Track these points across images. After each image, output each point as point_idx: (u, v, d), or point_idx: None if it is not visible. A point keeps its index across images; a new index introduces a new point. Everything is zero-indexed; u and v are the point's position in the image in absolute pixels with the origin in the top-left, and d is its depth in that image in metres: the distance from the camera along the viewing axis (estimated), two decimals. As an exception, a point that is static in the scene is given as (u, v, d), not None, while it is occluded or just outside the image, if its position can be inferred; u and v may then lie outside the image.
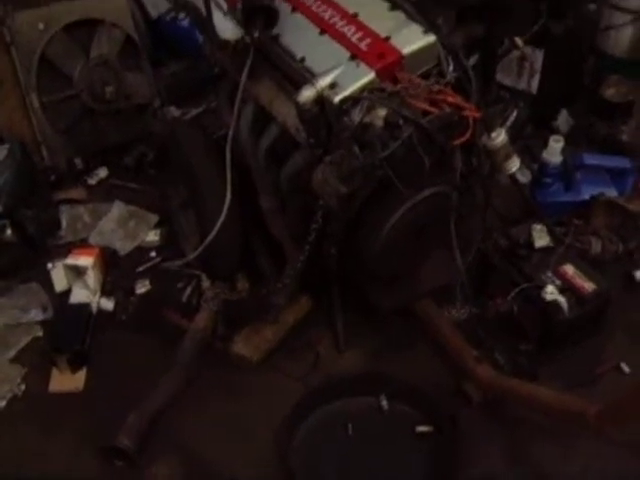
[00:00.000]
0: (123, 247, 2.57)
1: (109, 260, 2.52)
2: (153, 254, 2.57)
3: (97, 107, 2.76)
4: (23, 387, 2.17)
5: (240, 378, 2.16)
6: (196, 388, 2.13)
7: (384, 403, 2.07)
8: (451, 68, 1.80)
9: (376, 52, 1.74)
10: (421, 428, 2.01)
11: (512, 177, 2.12)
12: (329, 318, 2.30)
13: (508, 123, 2.22)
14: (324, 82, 1.71)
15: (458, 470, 1.89)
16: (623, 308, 2.31)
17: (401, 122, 1.62)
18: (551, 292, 2.10)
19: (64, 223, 2.64)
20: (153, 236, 2.61)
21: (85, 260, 2.42)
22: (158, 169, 2.82)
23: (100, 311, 2.38)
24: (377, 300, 2.22)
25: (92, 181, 2.84)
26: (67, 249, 2.50)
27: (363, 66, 1.72)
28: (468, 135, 1.75)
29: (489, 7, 1.86)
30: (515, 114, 2.25)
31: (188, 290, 2.38)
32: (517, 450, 1.97)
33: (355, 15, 1.84)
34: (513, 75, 3.02)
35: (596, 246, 2.33)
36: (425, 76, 1.79)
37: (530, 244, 2.26)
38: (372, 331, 2.29)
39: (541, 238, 2.28)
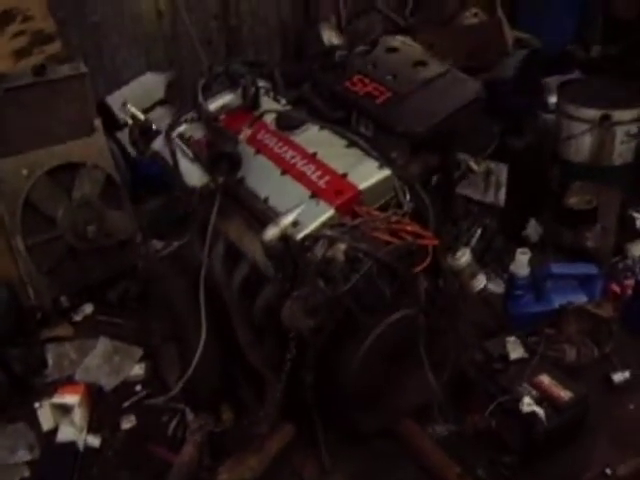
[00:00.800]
0: (108, 383, 2.60)
1: (95, 396, 2.55)
2: (138, 388, 2.60)
3: (80, 246, 2.85)
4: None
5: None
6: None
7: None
8: (408, 198, 1.90)
9: (334, 189, 1.84)
10: None
11: (480, 294, 2.19)
12: (312, 442, 2.31)
13: (473, 242, 2.30)
14: (287, 220, 1.81)
15: None
16: (604, 411, 2.34)
17: (361, 255, 1.70)
18: (528, 403, 2.14)
19: (50, 361, 2.67)
20: (138, 370, 2.65)
21: (71, 398, 2.45)
22: (141, 303, 2.88)
23: (87, 448, 2.38)
24: (358, 424, 2.25)
25: (78, 317, 2.91)
26: (53, 387, 2.53)
27: (322, 203, 1.83)
28: (428, 261, 1.82)
29: (440, 137, 1.97)
30: (480, 232, 2.34)
31: (173, 423, 2.41)
32: None
33: (314, 154, 1.96)
34: (480, 189, 3.16)
35: (570, 353, 2.38)
36: (384, 208, 1.89)
37: (505, 357, 2.32)
38: (356, 452, 2.30)
39: (515, 350, 2.34)
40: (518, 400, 2.16)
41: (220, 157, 1.91)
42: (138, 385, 2.61)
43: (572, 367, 2.39)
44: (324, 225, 1.79)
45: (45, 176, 2.79)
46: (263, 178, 1.96)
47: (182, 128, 2.12)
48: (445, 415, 2.17)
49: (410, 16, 3.65)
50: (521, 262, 2.45)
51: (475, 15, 3.45)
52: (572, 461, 2.21)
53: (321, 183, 1.87)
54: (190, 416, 2.35)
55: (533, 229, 3.11)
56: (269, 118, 2.11)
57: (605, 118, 3.06)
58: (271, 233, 1.80)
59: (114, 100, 3.20)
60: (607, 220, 2.84)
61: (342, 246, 1.74)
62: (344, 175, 1.88)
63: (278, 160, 1.98)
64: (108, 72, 3.37)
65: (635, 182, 3.25)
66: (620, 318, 2.54)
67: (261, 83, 2.22)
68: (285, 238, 1.79)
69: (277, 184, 1.93)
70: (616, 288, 2.67)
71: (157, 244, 3.16)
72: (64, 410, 2.43)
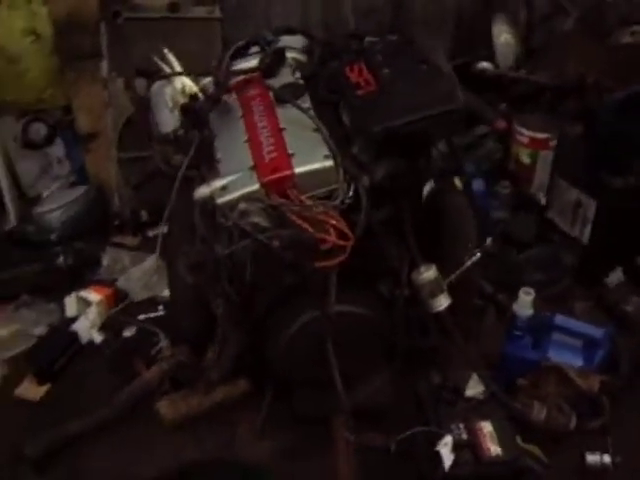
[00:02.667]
0: (137, 295, 2.88)
1: (120, 302, 2.85)
2: (160, 308, 2.84)
3: (166, 170, 3.13)
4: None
5: (155, 435, 2.33)
6: (117, 430, 2.35)
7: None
8: (349, 194, 1.87)
9: (272, 166, 1.87)
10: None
11: (437, 315, 2.09)
12: (258, 408, 2.39)
13: (468, 263, 2.18)
14: (218, 184, 1.89)
15: None
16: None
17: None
18: (445, 443, 2.02)
19: (105, 262, 3.01)
20: (166, 292, 2.88)
21: (94, 296, 2.78)
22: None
23: (89, 342, 2.70)
24: (295, 404, 2.29)
25: (150, 234, 3.21)
26: (88, 283, 2.88)
27: (254, 177, 1.87)
28: (336, 261, 1.79)
29: (405, 141, 1.89)
30: (479, 256, 2.19)
31: (159, 346, 2.62)
32: None
33: (282, 129, 1.99)
34: (568, 220, 2.91)
35: (539, 412, 2.16)
36: (325, 198, 1.88)
37: (459, 390, 2.19)
38: (292, 430, 2.33)
39: (474, 388, 2.19)
40: (441, 436, 2.04)
41: (188, 110, 2.03)
42: (161, 306, 2.85)
43: (537, 428, 2.17)
44: (247, 197, 1.84)
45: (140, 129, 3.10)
46: (229, 141, 2.03)
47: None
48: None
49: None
50: (524, 302, 2.26)
51: (632, 34, 3.09)
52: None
53: (266, 158, 1.91)
54: (164, 342, 2.54)
55: (616, 277, 2.79)
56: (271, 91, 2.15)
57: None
58: (201, 192, 1.89)
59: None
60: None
61: (255, 219, 1.79)
62: (291, 155, 1.90)
63: (250, 127, 2.03)
64: (258, 24, 3.55)
65: None
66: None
67: (292, 54, 2.26)
68: (212, 199, 1.87)
69: (235, 149, 1.99)
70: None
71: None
72: (86, 304, 2.76)
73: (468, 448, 2.02)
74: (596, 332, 2.22)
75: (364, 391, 2.21)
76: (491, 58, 3.70)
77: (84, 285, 2.91)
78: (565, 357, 2.22)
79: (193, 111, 2.01)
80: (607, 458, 2.17)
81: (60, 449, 2.28)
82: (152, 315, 2.81)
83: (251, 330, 2.14)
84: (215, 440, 2.33)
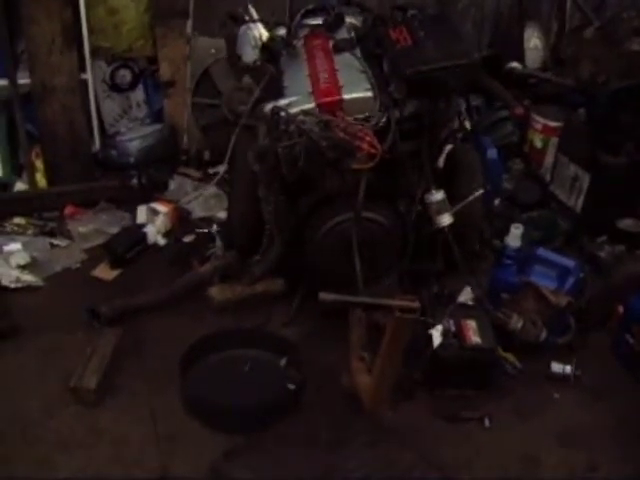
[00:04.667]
0: (197, 212, 3.45)
1: (183, 217, 3.42)
2: (215, 225, 3.40)
3: (230, 118, 3.71)
4: (79, 265, 3.13)
5: (201, 312, 2.87)
6: (173, 307, 2.91)
7: (282, 362, 2.65)
8: (383, 119, 2.42)
9: (325, 92, 2.44)
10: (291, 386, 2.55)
11: (442, 230, 2.62)
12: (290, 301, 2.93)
13: (470, 197, 2.70)
14: (283, 101, 2.45)
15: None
16: (523, 389, 2.61)
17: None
18: (437, 329, 2.53)
19: (171, 187, 3.59)
20: (222, 214, 3.44)
21: (162, 208, 3.35)
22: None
23: (155, 244, 3.27)
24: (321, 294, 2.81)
25: (211, 171, 3.78)
26: (157, 199, 3.46)
27: (312, 99, 2.44)
28: (368, 165, 2.34)
29: (428, 85, 2.44)
30: (481, 192, 2.72)
31: (212, 250, 3.17)
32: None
33: (336, 69, 2.56)
34: (566, 191, 3.42)
35: (516, 322, 2.64)
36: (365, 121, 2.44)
37: (453, 296, 2.71)
38: (316, 319, 2.83)
39: (465, 295, 2.71)
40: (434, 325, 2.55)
41: (266, 48, 2.61)
42: (215, 224, 3.41)
43: (514, 337, 2.65)
44: (303, 112, 2.40)
45: (225, 59, 3.67)
46: (294, 74, 2.62)
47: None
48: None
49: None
50: (514, 235, 2.77)
51: (641, 43, 3.59)
52: (465, 402, 2.54)
53: (322, 86, 2.48)
54: (219, 244, 3.09)
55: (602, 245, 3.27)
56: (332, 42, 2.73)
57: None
58: (269, 106, 2.45)
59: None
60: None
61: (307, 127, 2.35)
62: (341, 87, 2.46)
63: (312, 66, 2.61)
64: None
65: None
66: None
67: (350, 19, 2.84)
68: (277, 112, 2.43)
69: (298, 80, 2.57)
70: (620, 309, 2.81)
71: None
72: (154, 214, 3.34)
73: (454, 336, 2.52)
74: (569, 263, 2.72)
75: (377, 288, 2.72)
76: (521, 59, 4.21)
77: (153, 202, 3.48)
78: (543, 283, 2.72)
79: (270, 49, 2.57)
80: (569, 369, 2.65)
81: (128, 314, 2.82)
82: (207, 230, 3.35)
83: (294, 229, 2.67)
84: (252, 322, 2.85)
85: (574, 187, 3.35)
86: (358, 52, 2.65)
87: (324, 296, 2.08)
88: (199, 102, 3.73)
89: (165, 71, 3.77)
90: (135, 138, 3.69)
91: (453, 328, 2.56)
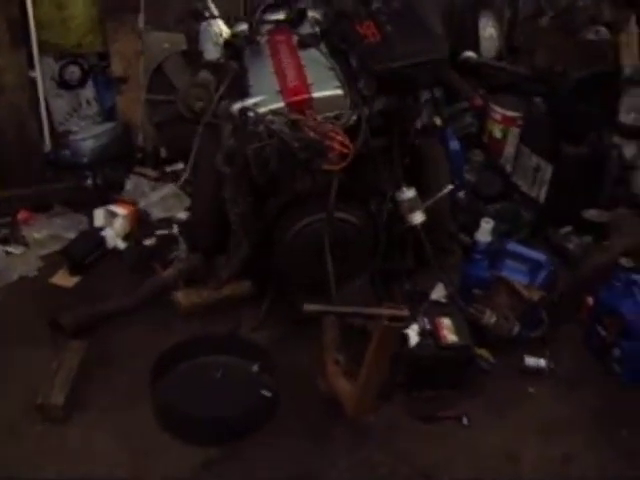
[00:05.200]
0: (157, 214, 3.34)
1: (142, 219, 3.31)
2: (175, 226, 3.30)
3: (187, 115, 3.60)
4: (36, 273, 3.00)
5: (167, 319, 2.79)
6: (138, 314, 2.81)
7: (254, 368, 2.58)
8: (353, 117, 2.37)
9: (294, 91, 2.37)
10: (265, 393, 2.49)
11: (414, 228, 2.58)
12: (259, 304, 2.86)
13: (440, 194, 2.67)
14: (251, 101, 2.37)
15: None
16: (498, 384, 2.60)
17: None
18: (412, 328, 2.50)
19: (128, 187, 3.47)
20: (182, 215, 3.34)
21: (121, 210, 3.24)
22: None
23: (115, 249, 3.16)
24: (294, 299, 2.75)
25: (168, 169, 3.67)
26: (114, 201, 3.34)
27: (280, 98, 2.36)
28: (340, 165, 2.28)
29: (398, 82, 2.40)
30: (450, 188, 2.69)
31: (175, 253, 3.08)
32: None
33: (302, 66, 2.49)
34: (528, 182, 3.42)
35: (489, 318, 2.64)
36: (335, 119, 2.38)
37: (425, 294, 2.68)
38: (287, 321, 2.77)
39: (437, 292, 2.69)
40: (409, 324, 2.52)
41: (229, 45, 2.53)
42: (175, 224, 3.31)
43: (487, 332, 2.65)
44: (272, 112, 2.33)
45: (180, 54, 3.57)
46: (260, 71, 2.54)
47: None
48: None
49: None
50: (484, 230, 2.76)
51: (597, 33, 3.62)
52: (441, 401, 2.52)
53: (290, 84, 2.41)
54: (182, 246, 3.00)
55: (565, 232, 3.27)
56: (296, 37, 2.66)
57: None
58: (237, 106, 2.37)
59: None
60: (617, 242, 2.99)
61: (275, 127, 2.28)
62: (309, 85, 2.40)
63: (278, 63, 2.54)
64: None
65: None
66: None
67: (312, 13, 2.77)
68: (244, 112, 2.35)
69: (264, 78, 2.49)
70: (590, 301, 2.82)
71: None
72: (113, 216, 3.22)
73: (430, 335, 2.50)
74: (540, 257, 2.73)
75: (348, 289, 2.68)
76: (475, 49, 4.20)
77: (109, 204, 3.36)
78: (514, 278, 2.71)
79: (233, 46, 2.49)
80: (543, 362, 2.66)
81: (89, 324, 2.71)
82: (168, 232, 3.25)
83: (262, 230, 2.60)
84: (221, 327, 2.78)
85: (536, 178, 3.36)
86: (323, 47, 2.58)
87: (308, 307, 2.03)
88: (153, 99, 3.61)
89: (117, 67, 3.64)
90: (88, 137, 3.55)
91: (428, 326, 2.54)
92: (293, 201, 2.50)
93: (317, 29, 2.69)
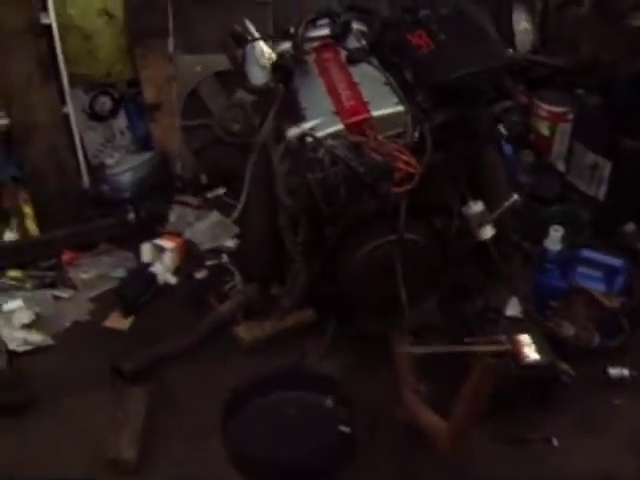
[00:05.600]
0: (204, 244, 3.23)
1: (190, 251, 3.20)
2: (224, 256, 3.19)
3: (224, 138, 3.50)
4: (88, 317, 2.90)
5: (228, 355, 2.68)
6: (199, 353, 2.70)
7: (328, 402, 2.46)
8: (415, 135, 2.24)
9: (352, 111, 2.25)
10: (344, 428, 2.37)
11: (484, 243, 2.45)
12: (323, 332, 2.74)
13: (507, 204, 2.54)
14: (307, 125, 2.25)
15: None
16: (583, 398, 2.48)
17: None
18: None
19: (172, 218, 3.36)
20: (230, 243, 3.23)
21: (168, 244, 3.14)
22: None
23: (165, 284, 3.05)
24: (358, 323, 2.64)
25: (209, 195, 3.57)
26: (159, 234, 3.23)
27: (338, 119, 2.24)
28: (409, 187, 2.16)
29: (463, 92, 2.27)
30: (515, 199, 2.56)
31: (229, 284, 2.97)
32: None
33: (356, 84, 2.36)
34: (585, 181, 3.28)
35: (568, 330, 2.52)
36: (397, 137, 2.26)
37: (499, 310, 2.55)
38: (354, 348, 2.66)
39: (512, 308, 2.56)
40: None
41: (278, 67, 2.40)
42: (224, 254, 3.20)
43: (566, 344, 2.52)
44: (333, 135, 2.21)
45: (213, 76, 3.46)
46: (311, 92, 2.42)
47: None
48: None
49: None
50: (554, 238, 2.63)
51: (644, 17, 3.47)
52: (527, 422, 2.39)
53: (346, 104, 2.28)
54: (238, 278, 2.89)
55: (629, 229, 3.13)
56: (344, 52, 2.54)
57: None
58: (292, 132, 2.25)
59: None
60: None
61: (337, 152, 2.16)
62: (367, 102, 2.27)
63: (329, 82, 2.42)
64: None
65: None
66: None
67: (356, 25, 2.64)
68: (302, 138, 2.23)
69: (318, 99, 2.37)
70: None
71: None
72: (161, 251, 3.12)
73: (510, 356, 2.36)
74: (616, 262, 2.59)
75: (416, 312, 2.56)
76: (511, 44, 4.06)
77: (154, 237, 3.25)
78: (589, 285, 2.58)
79: (283, 67, 2.37)
80: (626, 372, 2.52)
81: (150, 367, 2.61)
82: (217, 262, 3.14)
83: (322, 256, 2.48)
84: (286, 359, 2.66)
85: (594, 175, 3.22)
86: (374, 61, 2.46)
87: (416, 349, 1.92)
88: (188, 124, 3.51)
89: (149, 94, 3.54)
90: (127, 170, 3.45)
91: (507, 346, 2.40)
92: (356, 224, 2.37)
93: (364, 42, 2.55)
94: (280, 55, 2.53)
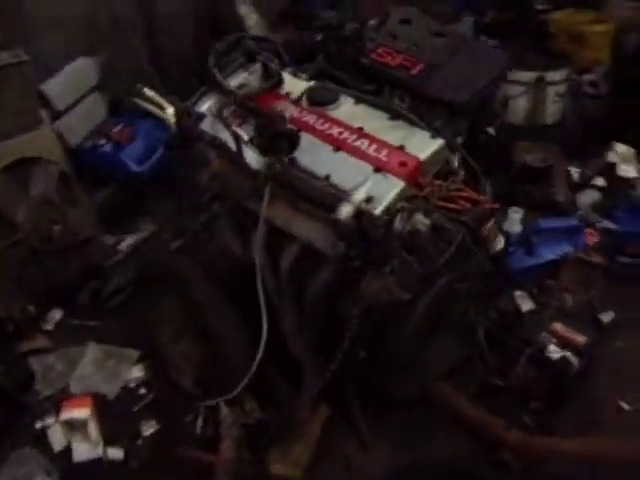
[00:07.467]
0: (110, 390, 2.43)
1: (100, 406, 2.37)
2: (143, 391, 2.45)
3: (45, 248, 2.62)
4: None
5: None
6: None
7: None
8: (456, 164, 1.93)
9: (397, 161, 1.84)
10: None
11: (496, 255, 2.27)
12: (347, 419, 2.30)
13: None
14: (360, 197, 1.77)
15: None
16: (600, 350, 2.47)
17: (446, 225, 1.71)
18: (554, 351, 2.27)
19: (38, 375, 2.45)
20: (137, 372, 2.49)
21: (81, 412, 2.28)
22: (122, 301, 2.71)
23: (110, 462, 2.23)
24: (392, 393, 2.26)
25: (48, 326, 2.69)
26: (52, 403, 2.34)
27: (391, 177, 1.81)
28: (490, 224, 1.87)
29: (476, 104, 2.02)
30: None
31: (199, 421, 2.29)
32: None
33: (360, 129, 1.93)
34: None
35: (569, 300, 2.53)
36: (437, 176, 1.91)
37: (517, 311, 2.43)
38: (394, 424, 2.32)
39: (525, 303, 2.47)
40: (543, 349, 2.26)
41: (280, 136, 1.82)
42: (142, 388, 2.46)
43: (569, 313, 2.53)
44: (398, 198, 1.78)
45: (1, 174, 2.53)
46: (316, 156, 1.90)
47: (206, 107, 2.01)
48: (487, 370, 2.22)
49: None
50: (514, 220, 2.57)
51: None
52: (588, 399, 2.35)
53: (382, 157, 1.86)
54: (225, 410, 2.24)
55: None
56: (296, 95, 2.04)
57: (540, 80, 3.24)
58: (346, 211, 1.75)
59: (50, 88, 2.94)
60: (559, 175, 3.03)
61: (420, 217, 1.74)
62: (401, 147, 1.88)
63: (326, 137, 1.93)
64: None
65: (563, 139, 3.46)
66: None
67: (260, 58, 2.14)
68: (358, 215, 1.75)
69: (335, 161, 1.88)
70: (593, 237, 2.81)
71: (109, 239, 3.01)
72: (74, 426, 2.25)
73: (566, 347, 2.30)
74: (574, 221, 2.67)
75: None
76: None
77: (32, 411, 2.35)
78: (557, 251, 2.61)
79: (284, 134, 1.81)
80: (612, 314, 2.62)
81: None
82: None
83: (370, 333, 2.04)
84: (335, 472, 2.19)
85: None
86: (350, 98, 2.03)
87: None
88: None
89: None
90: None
91: (554, 340, 2.33)
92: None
93: (306, 77, 2.09)
94: (263, 124, 1.89)
